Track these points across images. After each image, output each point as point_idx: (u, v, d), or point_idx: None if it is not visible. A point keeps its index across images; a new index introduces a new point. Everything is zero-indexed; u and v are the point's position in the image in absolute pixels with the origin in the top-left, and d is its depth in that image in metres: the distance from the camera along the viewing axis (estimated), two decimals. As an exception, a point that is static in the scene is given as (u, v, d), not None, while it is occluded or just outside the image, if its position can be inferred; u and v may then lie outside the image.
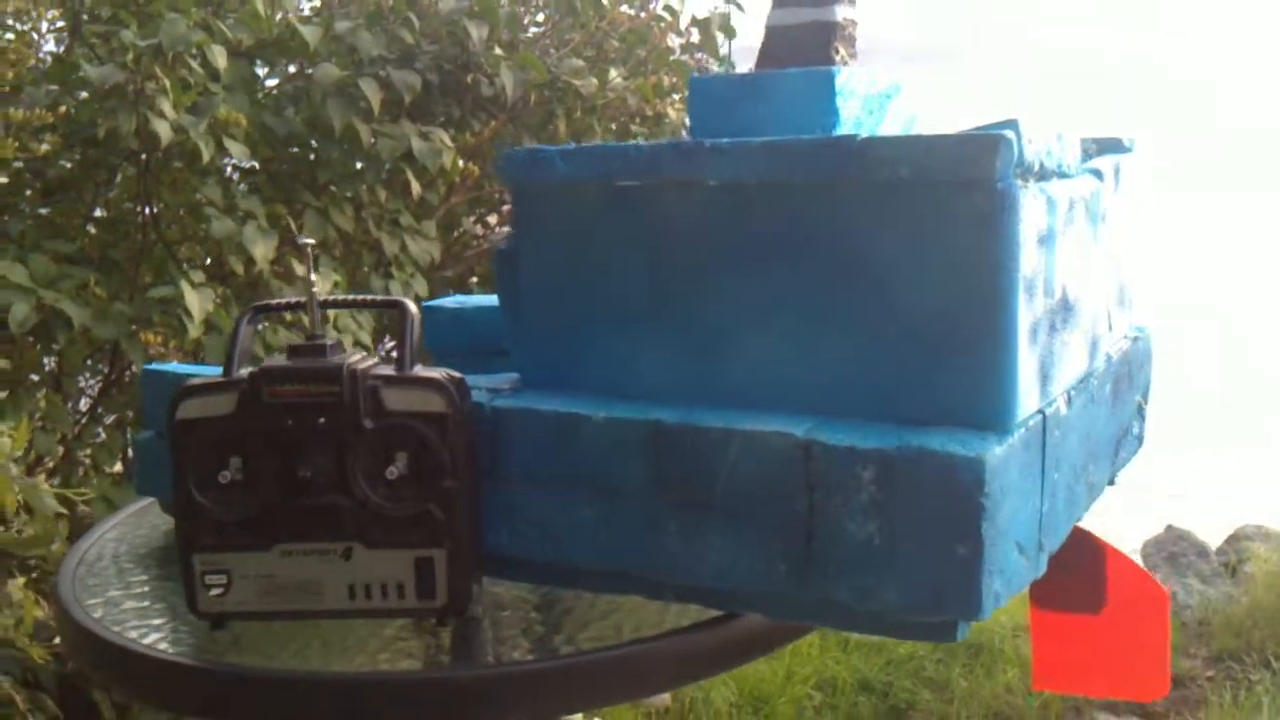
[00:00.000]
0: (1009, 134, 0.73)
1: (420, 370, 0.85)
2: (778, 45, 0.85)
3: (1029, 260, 0.76)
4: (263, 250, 2.36)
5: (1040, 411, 0.80)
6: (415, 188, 2.65)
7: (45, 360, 2.41)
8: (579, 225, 0.88)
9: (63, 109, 2.21)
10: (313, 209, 2.59)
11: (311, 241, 0.90)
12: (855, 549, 0.75)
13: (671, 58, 3.14)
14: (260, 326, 2.09)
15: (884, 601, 0.75)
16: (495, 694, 0.80)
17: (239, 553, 0.84)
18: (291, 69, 2.77)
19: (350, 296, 0.94)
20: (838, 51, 0.84)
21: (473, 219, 3.14)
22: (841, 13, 0.83)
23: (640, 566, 0.83)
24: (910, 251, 0.77)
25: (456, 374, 0.85)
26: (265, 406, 0.82)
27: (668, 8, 3.19)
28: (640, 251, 0.86)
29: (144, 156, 2.36)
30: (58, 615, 0.92)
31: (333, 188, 2.62)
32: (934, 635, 0.76)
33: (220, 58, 2.36)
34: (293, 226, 2.46)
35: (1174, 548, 3.80)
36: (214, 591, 0.84)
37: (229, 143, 2.36)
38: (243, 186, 2.65)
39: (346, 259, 2.77)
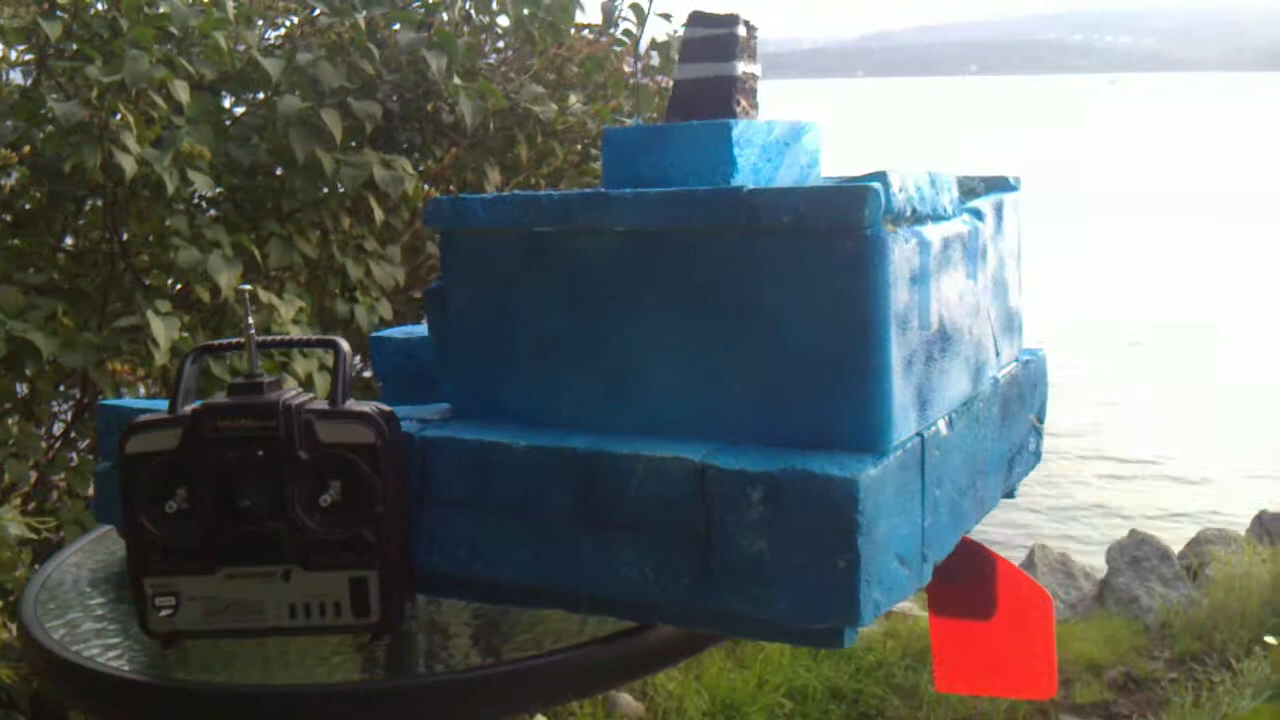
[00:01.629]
0: (876, 185, 0.81)
1: (352, 404, 0.92)
2: (684, 98, 0.90)
3: (900, 297, 0.84)
4: (227, 278, 2.42)
5: (919, 434, 0.87)
6: (378, 214, 2.71)
7: (18, 387, 2.47)
8: (500, 268, 0.96)
9: (27, 148, 2.27)
10: (278, 236, 2.65)
11: (249, 288, 0.97)
12: (748, 563, 0.82)
13: (631, 81, 3.21)
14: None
15: (775, 610, 0.82)
16: (424, 702, 0.87)
17: (186, 576, 0.91)
18: (256, 99, 2.83)
19: (286, 337, 1.01)
20: (739, 103, 0.89)
21: (437, 243, 3.21)
22: (742, 68, 0.88)
23: (559, 582, 0.90)
24: (793, 292, 0.84)
25: (386, 408, 0.93)
26: (207, 441, 0.89)
27: (627, 32, 3.27)
28: (556, 292, 0.93)
29: (111, 190, 2.43)
30: (21, 636, 0.99)
31: (297, 215, 2.69)
32: (823, 641, 0.84)
33: (183, 92, 2.42)
34: (257, 255, 2.53)
35: (1137, 552, 3.89)
36: (164, 612, 0.91)
37: (193, 174, 2.43)
38: (210, 212, 2.71)
39: (312, 285, 2.84)
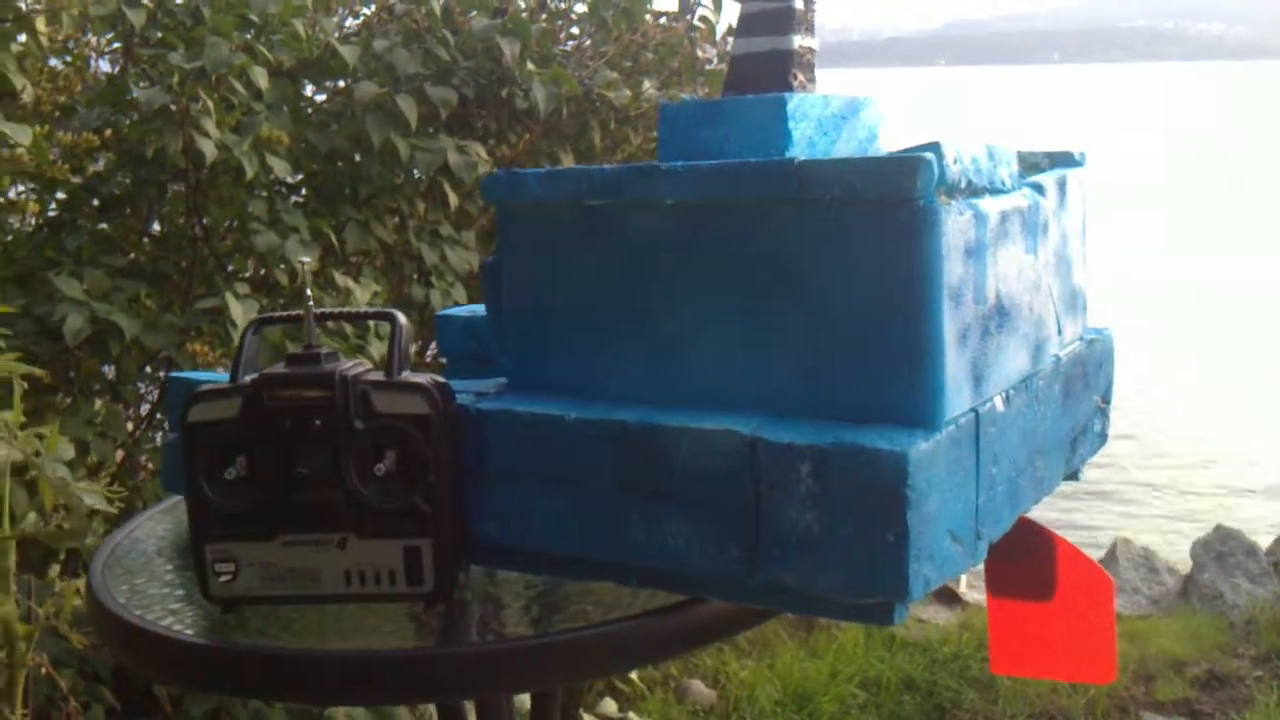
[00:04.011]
0: (929, 156, 0.80)
1: (407, 376, 0.93)
2: (740, 73, 0.89)
3: (954, 270, 0.82)
4: (403, 320, 2.45)
5: (973, 410, 0.86)
6: (453, 199, 2.74)
7: (106, 369, 2.54)
8: (554, 241, 0.96)
9: (109, 131, 2.32)
10: (354, 222, 2.69)
11: (308, 260, 0.99)
12: (797, 536, 0.82)
13: (708, 68, 3.21)
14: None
15: (823, 584, 0.82)
16: (474, 671, 0.88)
17: (245, 543, 0.93)
18: (336, 86, 2.88)
19: (344, 309, 1.02)
20: (795, 78, 0.89)
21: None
22: (799, 41, 0.87)
23: (609, 554, 0.91)
24: (843, 265, 0.83)
25: (441, 379, 0.94)
26: (266, 410, 0.91)
27: (703, 18, 3.26)
28: (607, 266, 0.94)
29: (193, 174, 2.48)
30: (87, 600, 1.01)
31: (374, 201, 2.72)
32: (873, 617, 0.83)
33: (262, 78, 2.46)
34: (333, 239, 2.57)
35: (1222, 547, 3.79)
36: (223, 578, 0.93)
37: (271, 159, 2.47)
38: (293, 198, 2.76)
39: (388, 269, 2.88)
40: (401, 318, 0.96)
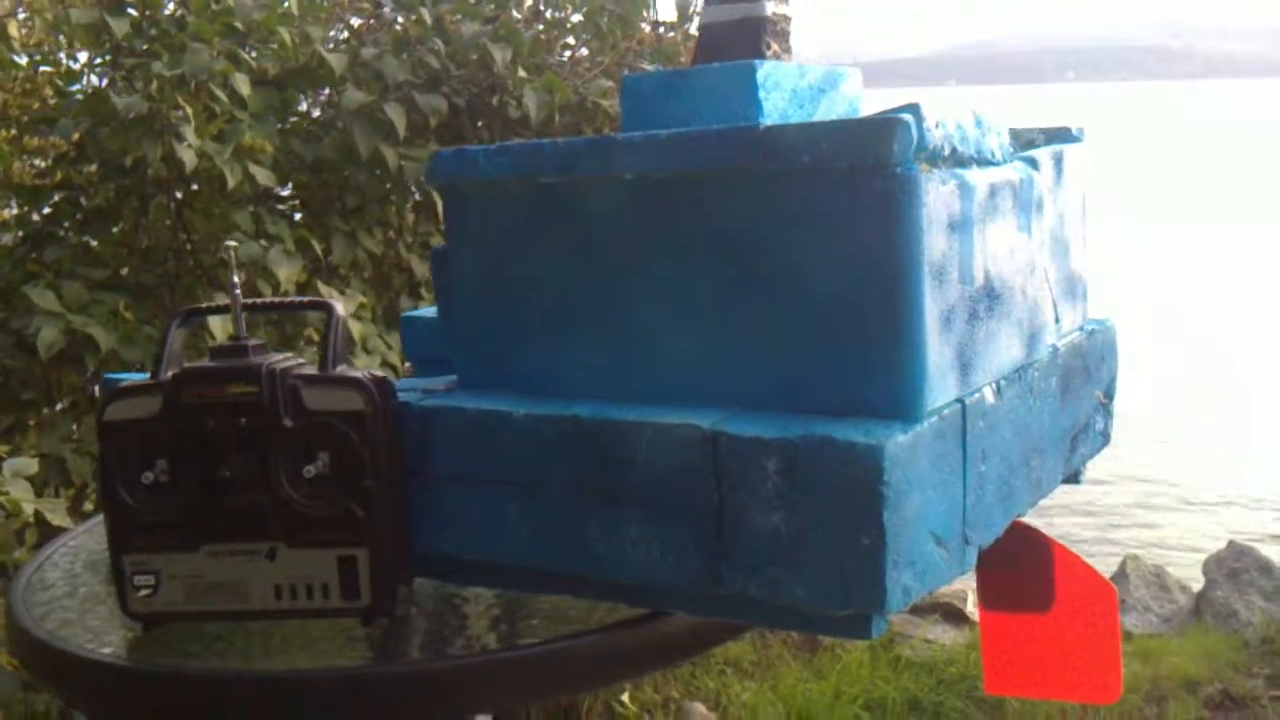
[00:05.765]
0: (906, 117, 0.72)
1: (343, 370, 0.85)
2: (710, 43, 0.84)
3: (936, 245, 0.74)
4: (287, 273, 2.40)
5: (959, 400, 0.78)
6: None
7: (86, 385, 2.47)
8: (505, 224, 0.88)
9: (77, 135, 2.26)
10: (341, 233, 2.63)
11: (235, 245, 0.91)
12: (763, 541, 0.74)
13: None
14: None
15: (793, 595, 0.74)
16: (413, 692, 0.80)
17: (166, 554, 0.85)
18: (322, 95, 2.82)
19: (276, 299, 0.95)
20: (769, 46, 0.83)
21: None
22: (772, 8, 0.81)
23: (564, 564, 0.83)
24: (815, 240, 0.75)
25: (380, 374, 0.86)
26: (187, 408, 0.83)
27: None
28: (563, 249, 0.86)
29: (175, 186, 2.42)
30: (5, 617, 0.94)
31: (362, 212, 2.65)
32: (848, 630, 0.75)
33: (244, 85, 2.40)
34: (317, 250, 2.50)
35: (1235, 564, 3.69)
36: (143, 593, 0.85)
37: (255, 168, 2.41)
38: (281, 208, 2.70)
39: (376, 281, 2.81)
40: (339, 307, 0.88)
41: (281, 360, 0.85)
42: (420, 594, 0.92)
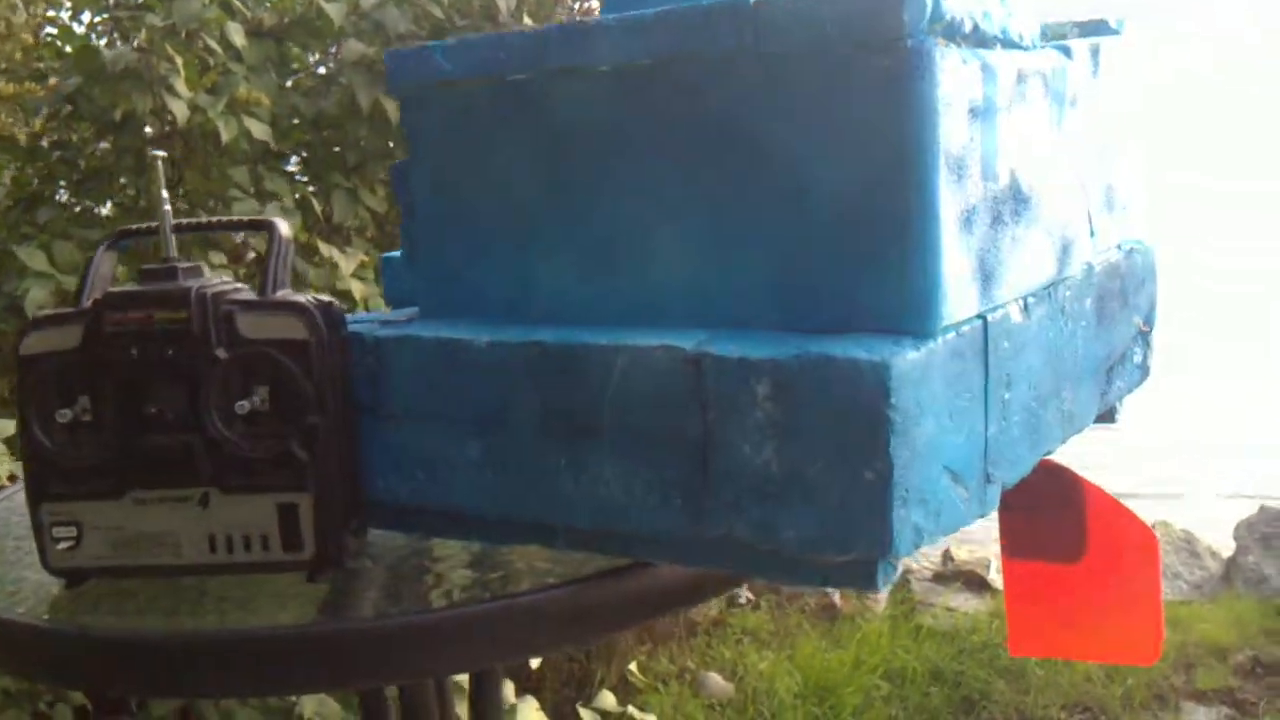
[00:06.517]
0: (917, -20, 0.61)
1: (285, 295, 0.76)
2: None
3: (954, 132, 0.64)
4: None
5: (980, 316, 0.67)
6: (444, 164, 2.57)
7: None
8: (468, 130, 0.78)
9: (52, 80, 2.18)
10: (342, 189, 2.53)
11: (162, 154, 0.82)
12: (752, 476, 0.64)
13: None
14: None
15: (787, 537, 0.64)
16: (363, 652, 0.71)
17: (89, 502, 0.76)
18: (321, 53, 2.73)
19: (212, 219, 0.85)
20: None
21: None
22: None
23: (531, 509, 0.73)
24: (815, 130, 0.65)
25: (326, 299, 0.76)
26: (109, 337, 0.74)
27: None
28: (532, 155, 0.76)
29: (176, 142, 2.34)
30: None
31: (363, 168, 2.56)
32: (850, 579, 0.65)
33: (238, 35, 2.31)
34: (315, 208, 2.41)
35: (1267, 528, 3.58)
36: (63, 545, 0.76)
37: (251, 122, 2.32)
38: (283, 167, 2.61)
39: (379, 240, 2.72)
40: (282, 225, 0.79)
41: (217, 284, 0.75)
42: (377, 547, 0.82)
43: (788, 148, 0.66)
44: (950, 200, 0.64)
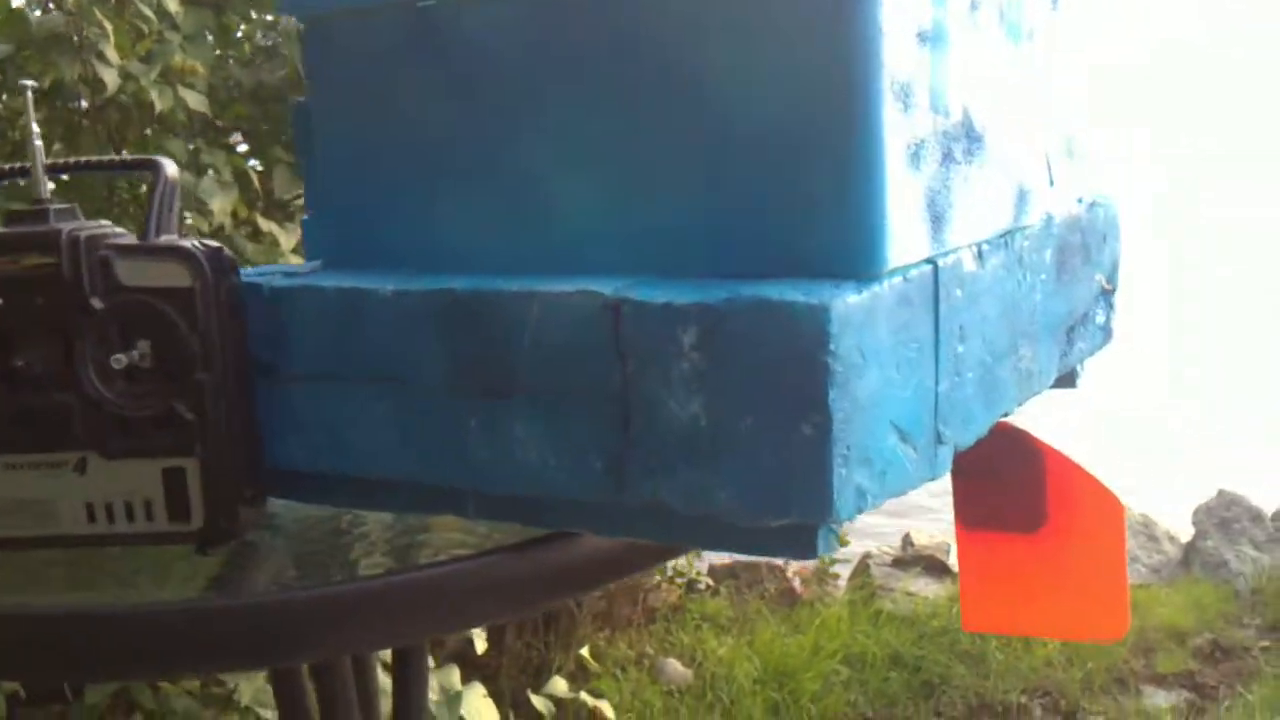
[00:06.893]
0: (858, -121, 0.55)
1: (168, 240, 0.69)
2: None
3: (900, 57, 0.58)
4: (221, 204, 2.23)
5: (930, 261, 0.62)
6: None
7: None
8: (373, 62, 0.72)
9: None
10: (284, 164, 2.45)
11: (32, 84, 0.74)
12: (679, 434, 0.58)
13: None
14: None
15: (717, 501, 0.58)
16: (255, 628, 0.64)
17: (-49, 467, 0.69)
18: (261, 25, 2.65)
19: (90, 159, 0.78)
20: None
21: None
22: None
23: (441, 475, 0.67)
24: (745, 54, 0.59)
25: (216, 244, 0.69)
26: (-28, 285, 0.67)
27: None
28: (444, 88, 0.69)
29: (110, 112, 2.26)
30: None
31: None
32: (786, 548, 0.59)
33: (172, 2, 2.23)
34: (254, 182, 2.33)
35: (1226, 513, 3.58)
36: (-76, 515, 0.69)
37: (185, 92, 2.24)
38: (235, 139, 2.53)
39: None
40: (170, 165, 0.72)
41: (92, 227, 0.68)
42: (281, 518, 0.76)
43: (716, 75, 0.60)
44: (896, 131, 0.58)
